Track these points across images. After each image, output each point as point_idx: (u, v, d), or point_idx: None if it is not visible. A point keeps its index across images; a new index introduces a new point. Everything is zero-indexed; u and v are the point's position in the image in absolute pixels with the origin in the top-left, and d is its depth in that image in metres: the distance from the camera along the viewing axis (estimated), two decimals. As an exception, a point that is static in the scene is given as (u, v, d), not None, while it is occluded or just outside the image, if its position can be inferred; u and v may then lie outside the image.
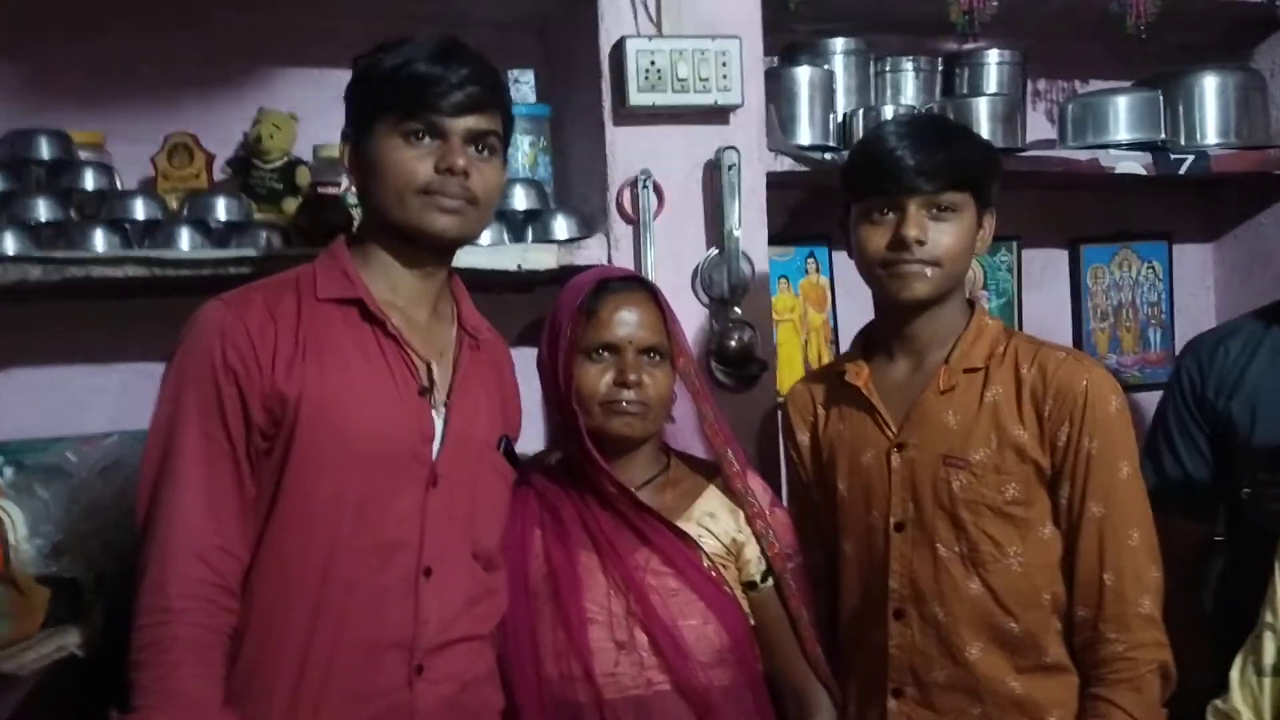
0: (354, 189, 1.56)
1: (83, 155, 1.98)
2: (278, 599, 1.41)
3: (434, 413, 1.50)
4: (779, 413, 1.87)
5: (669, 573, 1.60)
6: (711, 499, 1.69)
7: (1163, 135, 2.49)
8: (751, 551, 1.67)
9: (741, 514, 1.68)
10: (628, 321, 1.62)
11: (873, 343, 1.74)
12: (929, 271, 1.60)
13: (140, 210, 1.88)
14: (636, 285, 1.67)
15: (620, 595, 1.58)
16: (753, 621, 1.67)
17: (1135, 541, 1.57)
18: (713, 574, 1.63)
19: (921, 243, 1.58)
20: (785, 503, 1.84)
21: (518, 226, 2.07)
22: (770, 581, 1.68)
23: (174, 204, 1.97)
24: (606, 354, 1.61)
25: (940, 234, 1.59)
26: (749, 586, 1.68)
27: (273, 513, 1.41)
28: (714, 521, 1.67)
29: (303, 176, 2.03)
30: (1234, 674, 1.45)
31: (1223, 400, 1.83)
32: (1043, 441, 1.60)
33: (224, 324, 1.41)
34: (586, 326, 1.61)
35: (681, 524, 1.64)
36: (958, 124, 1.79)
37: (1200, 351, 1.90)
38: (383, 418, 1.45)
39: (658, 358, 1.63)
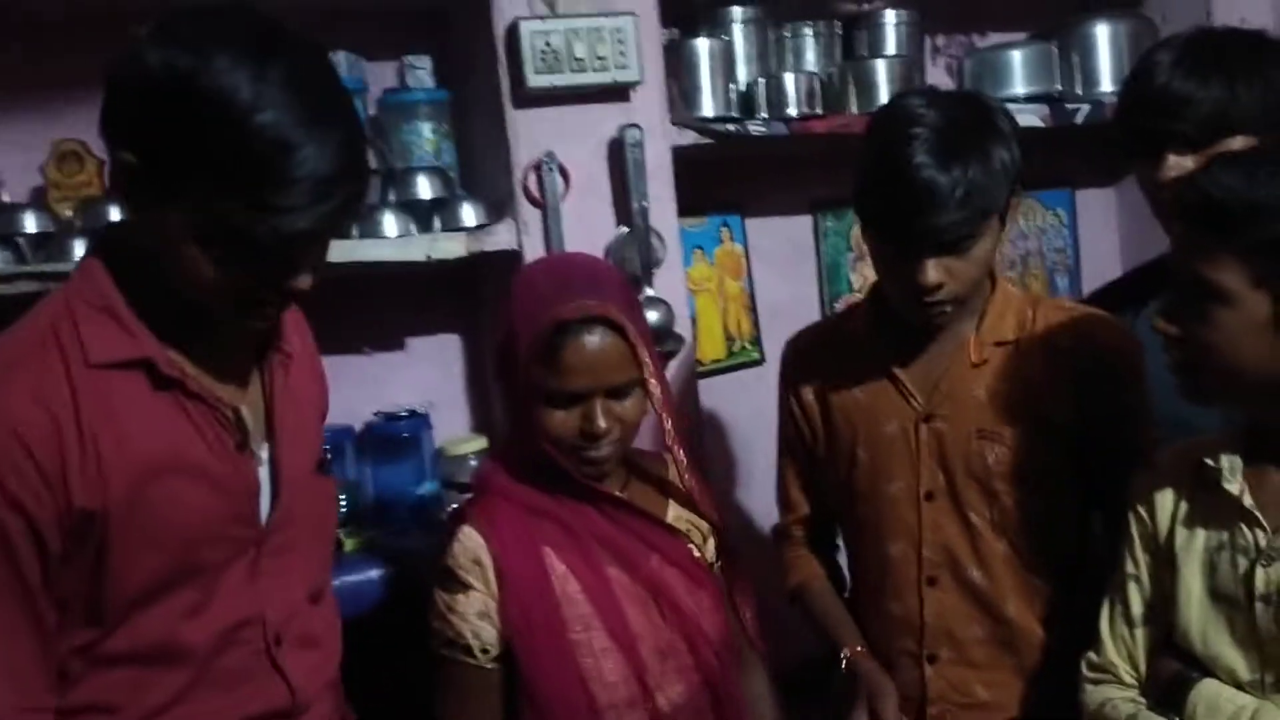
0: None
1: (-33, 169, 1.93)
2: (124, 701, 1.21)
3: (255, 461, 1.26)
4: (781, 362, 1.81)
5: (676, 571, 1.55)
6: (672, 492, 1.63)
7: (1058, 86, 2.53)
8: (701, 535, 1.62)
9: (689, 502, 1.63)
10: (592, 368, 1.44)
11: (887, 307, 1.65)
12: (951, 308, 1.56)
13: (32, 223, 1.84)
14: (598, 324, 1.45)
15: (653, 604, 1.52)
16: None
17: None
18: (703, 563, 1.59)
19: (942, 286, 1.52)
20: (779, 456, 1.81)
21: (424, 215, 2.05)
22: (719, 560, 1.64)
23: (67, 214, 1.92)
24: (571, 402, 1.45)
25: (963, 269, 1.53)
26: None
27: (96, 614, 1.18)
28: (681, 513, 1.62)
29: (200, 177, 1.98)
30: (1103, 626, 1.47)
31: None
32: (1081, 410, 1.60)
33: None
34: (547, 372, 1.44)
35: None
36: (984, 131, 1.53)
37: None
38: (202, 494, 1.19)
39: (627, 390, 1.48)
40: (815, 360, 1.74)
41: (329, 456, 1.40)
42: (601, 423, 1.45)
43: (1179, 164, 1.60)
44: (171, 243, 1.10)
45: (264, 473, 1.27)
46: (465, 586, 1.46)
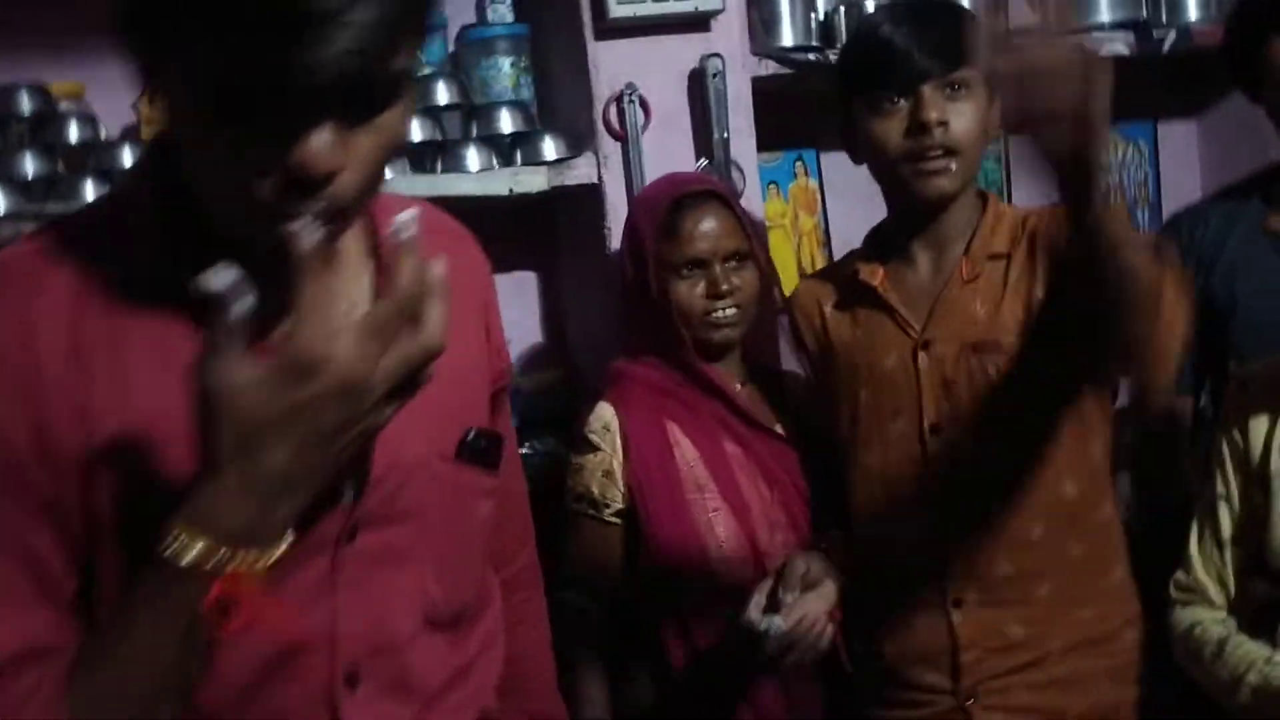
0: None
1: (63, 106, 1.97)
2: None
3: None
4: (786, 318, 1.81)
5: (784, 458, 1.73)
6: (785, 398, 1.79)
7: (1144, 14, 2.48)
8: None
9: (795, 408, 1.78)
10: (708, 234, 1.70)
11: (886, 242, 1.66)
12: (952, 165, 1.52)
13: (127, 159, 1.87)
14: (709, 195, 1.73)
15: (763, 480, 1.69)
16: None
17: None
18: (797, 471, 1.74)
19: (943, 124, 1.51)
20: None
21: (505, 150, 2.07)
22: None
23: (160, 150, 1.96)
24: (695, 269, 1.69)
25: (958, 115, 1.52)
26: None
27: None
28: (789, 420, 1.77)
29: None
30: (1193, 548, 1.47)
31: (1201, 275, 1.81)
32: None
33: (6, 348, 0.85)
34: (670, 245, 1.70)
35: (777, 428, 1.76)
36: (951, 8, 1.67)
37: (1179, 228, 1.91)
38: None
39: (742, 261, 1.71)
40: (814, 307, 1.72)
41: (482, 443, 1.03)
42: (724, 284, 1.68)
43: None
44: (175, 117, 0.82)
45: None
46: (594, 448, 1.70)
